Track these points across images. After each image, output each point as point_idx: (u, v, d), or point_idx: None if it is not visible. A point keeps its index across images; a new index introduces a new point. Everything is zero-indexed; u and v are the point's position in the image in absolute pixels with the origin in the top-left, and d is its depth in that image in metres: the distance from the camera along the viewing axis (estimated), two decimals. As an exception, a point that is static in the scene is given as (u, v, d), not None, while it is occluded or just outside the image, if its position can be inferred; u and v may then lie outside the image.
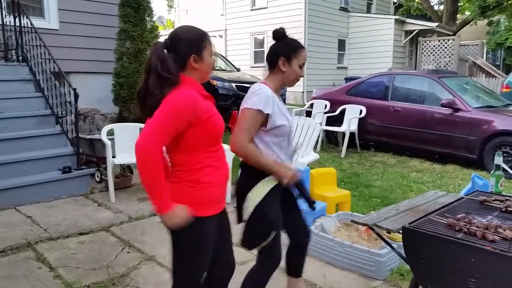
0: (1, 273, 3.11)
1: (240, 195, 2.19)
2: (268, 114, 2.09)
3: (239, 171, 2.25)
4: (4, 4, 6.21)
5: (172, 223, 1.80)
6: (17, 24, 6.09)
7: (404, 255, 2.04)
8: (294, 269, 2.50)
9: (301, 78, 2.30)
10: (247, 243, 2.21)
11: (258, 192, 2.12)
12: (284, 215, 2.28)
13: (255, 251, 2.27)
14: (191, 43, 1.85)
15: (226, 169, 1.99)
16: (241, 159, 2.21)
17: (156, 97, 1.78)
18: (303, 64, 2.23)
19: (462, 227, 1.86)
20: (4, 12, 6.21)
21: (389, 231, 2.16)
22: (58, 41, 6.68)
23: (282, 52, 2.18)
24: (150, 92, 1.79)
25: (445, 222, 1.97)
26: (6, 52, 6.35)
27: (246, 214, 2.14)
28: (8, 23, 6.22)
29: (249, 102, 2.10)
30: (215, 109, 1.91)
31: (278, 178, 2.14)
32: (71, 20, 7.08)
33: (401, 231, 1.97)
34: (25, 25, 5.98)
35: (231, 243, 2.18)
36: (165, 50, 1.85)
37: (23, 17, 5.97)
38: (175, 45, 1.85)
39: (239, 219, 2.21)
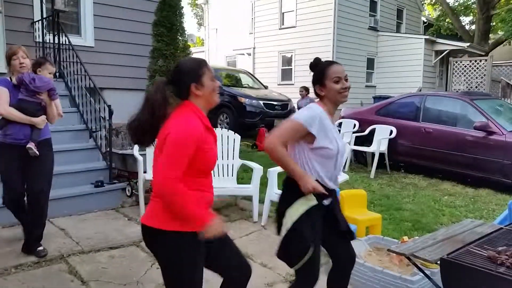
0: (37, 284, 3.19)
1: (281, 210, 2.25)
2: (311, 133, 2.16)
3: (282, 187, 2.32)
4: (45, 23, 6.48)
5: (214, 232, 1.90)
6: (56, 41, 6.34)
7: (438, 283, 1.99)
8: None
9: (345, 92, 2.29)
10: (284, 259, 2.27)
11: (297, 208, 2.18)
12: (327, 238, 2.30)
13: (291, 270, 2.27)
14: (189, 73, 1.98)
15: (211, 193, 2.05)
16: (285, 175, 2.29)
17: (149, 132, 1.97)
18: (338, 77, 2.25)
19: (504, 261, 1.80)
20: (44, 31, 6.48)
21: (426, 262, 2.11)
22: (93, 58, 6.90)
23: (316, 81, 2.32)
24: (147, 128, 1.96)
25: (485, 255, 1.91)
26: (45, 68, 6.59)
27: (284, 230, 2.19)
28: (47, 41, 6.48)
29: (298, 114, 2.28)
30: (213, 143, 2.01)
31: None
32: (106, 38, 7.32)
33: (439, 262, 1.93)
34: (63, 43, 6.20)
35: (235, 247, 2.21)
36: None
37: (61, 35, 6.21)
38: (177, 79, 2.00)
39: (278, 232, 2.27)
